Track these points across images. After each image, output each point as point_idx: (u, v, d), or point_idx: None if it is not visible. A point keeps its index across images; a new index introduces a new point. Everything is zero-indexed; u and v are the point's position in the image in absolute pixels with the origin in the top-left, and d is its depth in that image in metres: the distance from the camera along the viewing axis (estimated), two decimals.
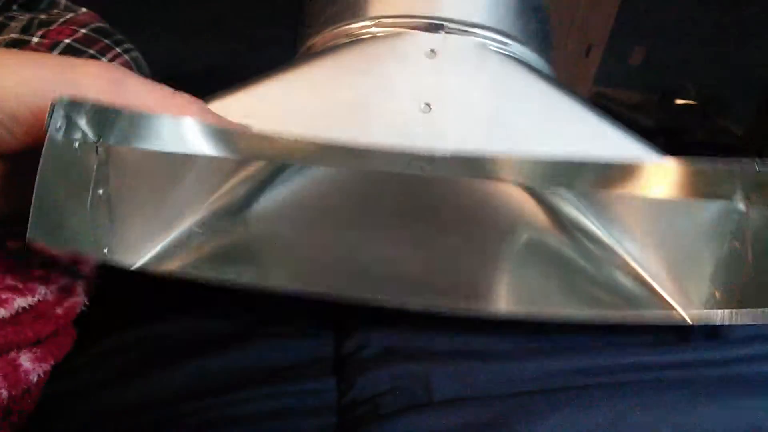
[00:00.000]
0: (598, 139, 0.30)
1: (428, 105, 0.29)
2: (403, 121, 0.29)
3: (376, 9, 0.33)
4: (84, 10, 0.50)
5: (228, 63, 0.85)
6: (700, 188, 0.28)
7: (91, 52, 0.45)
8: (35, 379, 0.25)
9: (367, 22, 0.32)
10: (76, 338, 0.28)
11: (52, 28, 0.44)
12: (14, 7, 0.48)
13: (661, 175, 0.29)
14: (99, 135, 0.25)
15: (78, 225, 0.24)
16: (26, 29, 0.45)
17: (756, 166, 0.26)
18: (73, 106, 0.23)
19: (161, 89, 0.26)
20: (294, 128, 0.27)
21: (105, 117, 0.24)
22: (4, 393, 0.23)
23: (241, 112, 0.28)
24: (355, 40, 0.32)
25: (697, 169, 0.27)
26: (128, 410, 0.25)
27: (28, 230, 0.21)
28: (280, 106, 0.29)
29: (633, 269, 0.32)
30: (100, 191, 0.25)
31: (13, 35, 0.44)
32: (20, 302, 0.25)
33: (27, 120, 0.23)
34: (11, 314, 0.25)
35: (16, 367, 0.25)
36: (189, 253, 0.29)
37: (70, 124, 0.23)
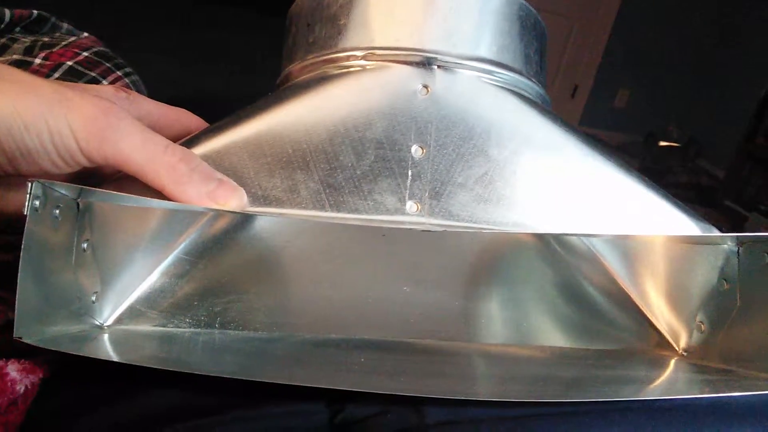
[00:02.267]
0: (593, 172, 0.29)
1: (421, 148, 0.28)
2: (392, 166, 0.27)
3: (364, 38, 0.31)
4: (86, 34, 0.51)
5: (222, 87, 0.87)
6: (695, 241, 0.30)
7: (93, 74, 0.46)
8: (22, 390, 0.26)
9: (356, 53, 0.31)
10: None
11: (54, 50, 0.45)
12: (17, 29, 0.49)
13: (664, 245, 0.30)
14: (77, 201, 0.25)
15: (64, 290, 0.25)
16: (29, 51, 0.46)
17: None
18: (46, 189, 0.23)
19: (153, 144, 0.26)
20: (282, 168, 0.27)
21: (84, 195, 0.25)
22: None
23: (228, 155, 0.28)
24: (344, 72, 0.31)
25: (693, 241, 0.29)
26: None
27: (14, 329, 0.21)
28: (262, 144, 0.28)
29: (626, 295, 0.33)
30: (84, 245, 0.26)
31: (15, 56, 0.45)
32: (11, 314, 0.26)
33: (11, 152, 0.24)
34: (1, 325, 0.25)
35: (3, 376, 0.25)
36: (168, 299, 0.30)
37: (48, 199, 0.23)
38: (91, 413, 0.25)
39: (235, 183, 0.27)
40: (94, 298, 0.27)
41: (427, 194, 0.27)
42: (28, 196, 0.22)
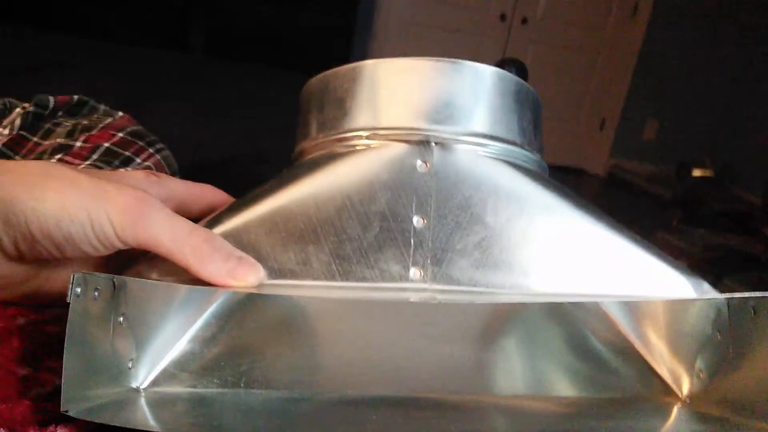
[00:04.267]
0: (588, 233, 0.31)
1: (422, 219, 0.30)
2: (400, 231, 0.30)
3: (367, 119, 0.34)
4: (120, 114, 0.56)
5: (247, 149, 0.91)
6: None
7: (127, 153, 0.50)
8: None
9: (362, 133, 0.33)
10: None
11: (93, 133, 0.50)
12: (59, 113, 0.54)
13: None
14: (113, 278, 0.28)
15: (104, 358, 0.27)
16: (71, 134, 0.50)
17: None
18: (87, 278, 0.25)
19: (180, 228, 0.29)
20: (295, 242, 0.30)
21: (114, 286, 0.27)
22: None
23: (247, 232, 0.30)
24: (350, 151, 0.33)
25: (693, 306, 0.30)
26: None
27: (61, 404, 0.23)
28: (282, 220, 0.30)
29: (631, 348, 0.34)
30: (120, 319, 0.28)
31: (59, 140, 0.49)
32: (58, 382, 0.28)
33: (58, 240, 0.28)
34: (49, 392, 0.28)
35: None
36: (195, 360, 0.32)
37: (88, 284, 0.25)
38: None
39: (253, 260, 0.29)
40: (130, 365, 0.28)
41: (429, 261, 0.29)
42: (70, 285, 0.24)
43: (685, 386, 0.32)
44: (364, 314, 0.37)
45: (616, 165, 3.63)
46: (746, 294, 0.28)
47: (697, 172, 3.11)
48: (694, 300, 0.31)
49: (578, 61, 3.66)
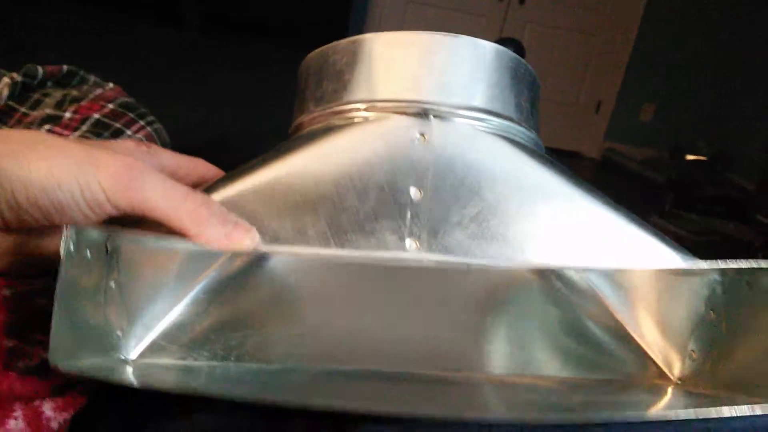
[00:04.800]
0: (582, 209, 0.31)
1: (419, 190, 0.30)
2: (393, 211, 0.30)
3: (367, 91, 0.34)
4: (111, 85, 0.55)
5: (241, 129, 0.90)
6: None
7: (118, 125, 0.49)
8: (56, 427, 0.28)
9: (359, 105, 0.33)
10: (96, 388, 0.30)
11: (82, 103, 0.49)
12: (49, 83, 0.53)
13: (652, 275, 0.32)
14: (106, 246, 0.27)
15: (93, 325, 0.27)
16: (60, 105, 0.49)
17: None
18: (79, 232, 0.25)
19: (175, 191, 0.28)
20: (291, 212, 0.30)
21: (112, 238, 0.27)
22: None
23: (243, 202, 0.30)
24: (348, 123, 0.33)
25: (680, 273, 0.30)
26: None
27: (49, 356, 0.23)
28: (278, 191, 0.30)
29: (619, 324, 0.34)
30: (111, 283, 0.28)
31: (48, 111, 0.48)
32: (46, 356, 0.28)
33: (46, 208, 0.27)
34: (37, 366, 0.28)
35: (39, 414, 0.27)
36: (185, 333, 0.32)
37: (80, 242, 0.25)
38: None
39: (249, 224, 0.29)
40: (120, 334, 0.29)
41: (425, 233, 0.29)
42: (63, 238, 0.24)
43: (676, 369, 0.32)
44: (357, 292, 0.37)
45: (611, 148, 3.63)
46: (741, 262, 0.28)
47: (690, 157, 3.12)
48: (687, 275, 0.31)
49: (575, 43, 3.63)
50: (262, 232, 0.29)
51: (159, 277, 0.32)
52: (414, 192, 0.30)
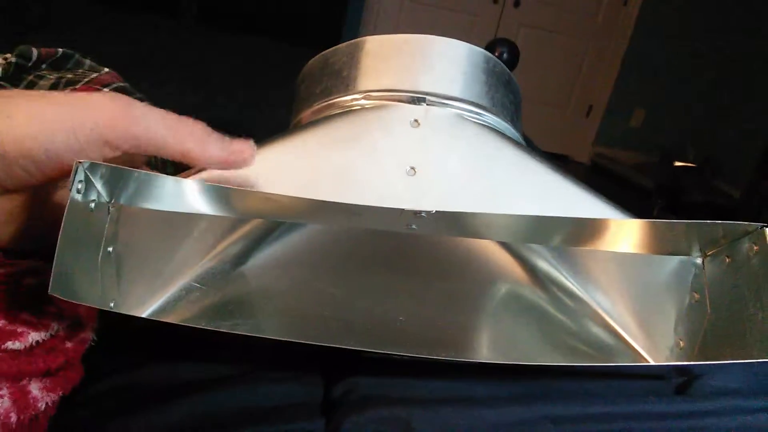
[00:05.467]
0: (565, 199, 0.33)
1: (413, 168, 0.32)
2: (390, 183, 0.32)
3: (364, 84, 0.37)
4: (106, 70, 0.54)
5: (237, 118, 0.90)
6: (661, 245, 0.31)
7: None
8: (43, 407, 0.27)
9: (357, 95, 0.36)
10: (84, 373, 0.30)
11: (77, 87, 0.48)
12: (43, 66, 0.52)
13: (625, 232, 0.32)
14: (111, 196, 0.28)
15: (89, 281, 0.27)
16: (54, 87, 0.49)
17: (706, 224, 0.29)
18: (92, 167, 0.25)
19: (171, 116, 0.29)
20: (288, 192, 0.30)
21: (118, 177, 0.27)
22: (14, 417, 0.25)
23: (239, 180, 0.31)
24: (346, 111, 0.35)
25: (656, 225, 0.30)
26: None
27: (50, 286, 0.23)
28: (276, 172, 0.32)
29: (604, 320, 0.35)
30: (110, 249, 0.28)
31: None
32: (34, 336, 0.28)
33: (41, 159, 0.26)
34: (25, 346, 0.27)
35: (26, 393, 0.27)
36: (188, 307, 0.32)
37: (89, 186, 0.26)
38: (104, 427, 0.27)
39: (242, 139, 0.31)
40: (112, 305, 0.29)
41: (418, 202, 0.31)
42: (73, 175, 0.24)
43: (665, 360, 0.33)
44: (354, 271, 0.38)
45: (600, 153, 3.65)
46: (717, 222, 0.29)
47: (679, 163, 3.14)
48: (671, 261, 0.32)
49: (568, 47, 3.65)
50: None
51: (156, 254, 0.32)
52: (408, 170, 0.32)
